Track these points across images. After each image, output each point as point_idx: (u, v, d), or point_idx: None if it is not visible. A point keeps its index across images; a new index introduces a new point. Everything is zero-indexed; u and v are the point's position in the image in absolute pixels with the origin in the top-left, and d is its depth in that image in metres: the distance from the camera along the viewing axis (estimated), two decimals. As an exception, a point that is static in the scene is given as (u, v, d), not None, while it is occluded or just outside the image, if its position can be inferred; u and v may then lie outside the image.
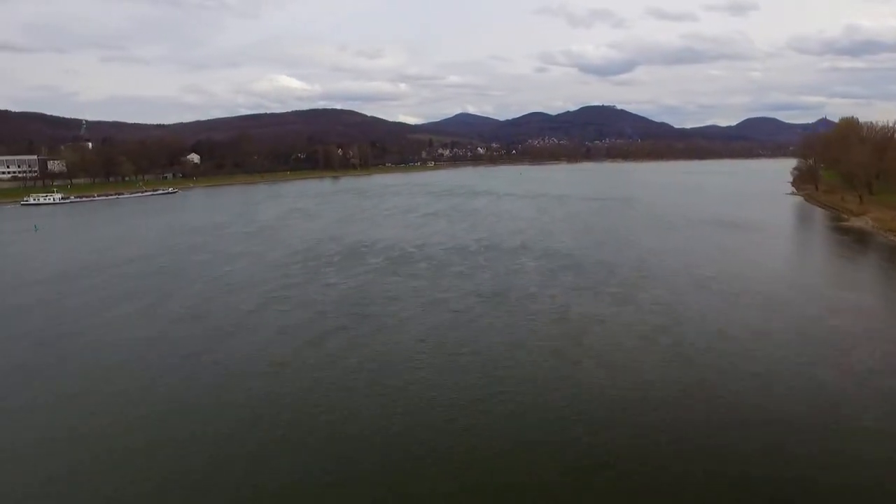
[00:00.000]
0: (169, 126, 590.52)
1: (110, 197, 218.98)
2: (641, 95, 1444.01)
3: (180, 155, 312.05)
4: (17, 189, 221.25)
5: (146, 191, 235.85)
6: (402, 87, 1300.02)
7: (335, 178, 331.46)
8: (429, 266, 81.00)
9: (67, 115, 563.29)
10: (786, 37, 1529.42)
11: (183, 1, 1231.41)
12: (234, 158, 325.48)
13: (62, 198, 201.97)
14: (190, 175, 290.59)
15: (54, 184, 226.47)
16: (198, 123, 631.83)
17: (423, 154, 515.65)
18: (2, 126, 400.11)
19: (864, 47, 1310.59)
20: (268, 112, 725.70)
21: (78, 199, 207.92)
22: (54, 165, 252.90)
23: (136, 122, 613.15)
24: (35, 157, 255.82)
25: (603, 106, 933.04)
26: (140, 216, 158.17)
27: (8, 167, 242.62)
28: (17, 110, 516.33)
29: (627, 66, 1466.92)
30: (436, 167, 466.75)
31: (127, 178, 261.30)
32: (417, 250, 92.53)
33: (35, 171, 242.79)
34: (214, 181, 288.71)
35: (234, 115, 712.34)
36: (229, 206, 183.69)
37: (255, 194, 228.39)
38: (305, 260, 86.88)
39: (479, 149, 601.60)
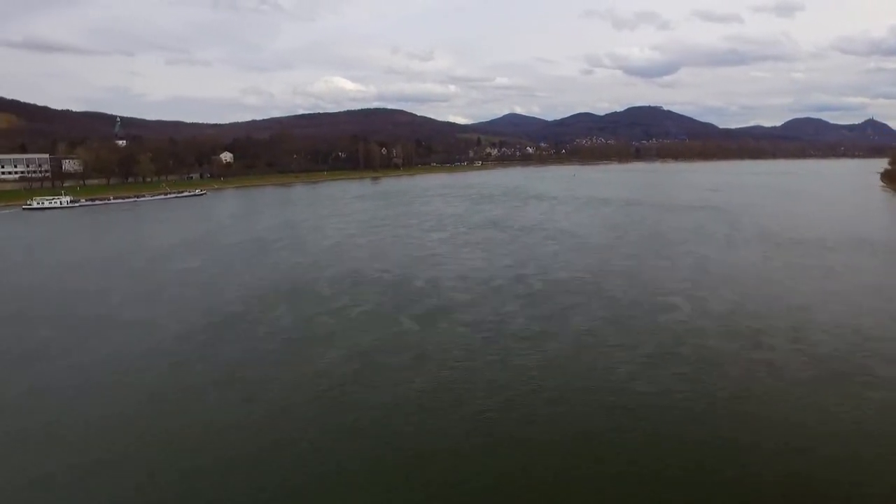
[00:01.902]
0: (224, 126, 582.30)
1: (128, 200, 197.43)
2: (684, 96, 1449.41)
3: (212, 154, 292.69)
4: (20, 191, 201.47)
5: (170, 192, 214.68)
6: (452, 88, 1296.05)
7: (375, 178, 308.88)
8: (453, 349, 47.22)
9: (134, 115, 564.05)
10: (831, 37, 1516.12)
11: (240, 5, 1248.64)
12: (269, 158, 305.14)
13: (71, 201, 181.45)
14: (219, 175, 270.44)
15: (64, 185, 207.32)
16: (252, 123, 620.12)
17: (471, 153, 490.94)
18: (63, 125, 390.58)
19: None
20: (322, 112, 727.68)
21: (90, 203, 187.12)
22: (70, 165, 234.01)
23: (195, 121, 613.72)
24: (46, 155, 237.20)
25: (649, 106, 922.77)
26: (150, 225, 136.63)
27: (16, 166, 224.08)
28: (77, 110, 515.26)
29: (671, 67, 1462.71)
30: (483, 167, 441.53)
31: (148, 179, 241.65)
32: (438, 308, 58.96)
33: (47, 171, 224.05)
34: (245, 181, 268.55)
35: (291, 115, 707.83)
36: (254, 210, 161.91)
37: (286, 196, 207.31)
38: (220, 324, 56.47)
39: (527, 148, 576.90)
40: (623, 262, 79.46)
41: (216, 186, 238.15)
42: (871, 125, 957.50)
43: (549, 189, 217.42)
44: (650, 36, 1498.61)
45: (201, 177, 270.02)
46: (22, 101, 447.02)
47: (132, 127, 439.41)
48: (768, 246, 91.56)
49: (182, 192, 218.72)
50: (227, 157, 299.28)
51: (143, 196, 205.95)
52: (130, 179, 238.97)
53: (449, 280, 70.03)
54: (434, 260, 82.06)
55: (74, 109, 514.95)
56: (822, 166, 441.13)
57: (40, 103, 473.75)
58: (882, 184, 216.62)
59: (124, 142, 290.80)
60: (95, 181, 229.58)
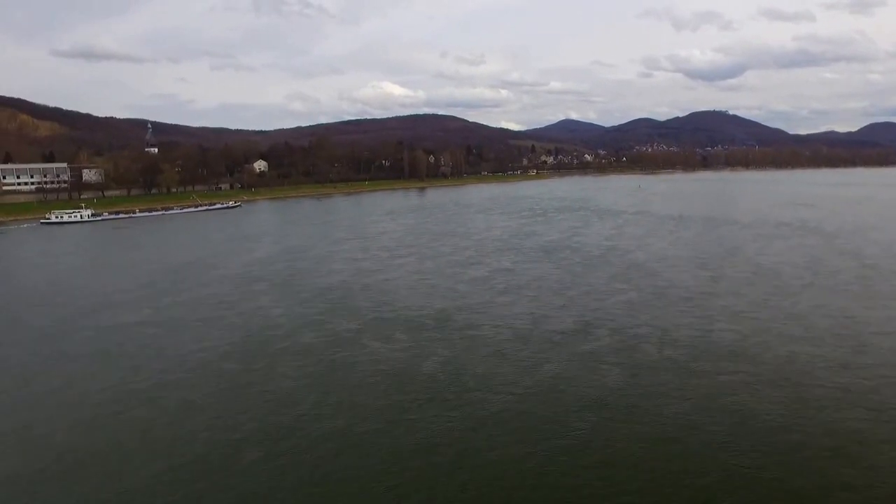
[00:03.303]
0: (269, 132, 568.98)
1: (155, 213, 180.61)
2: (750, 101, 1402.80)
3: (244, 162, 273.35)
4: (33, 204, 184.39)
5: (201, 204, 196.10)
6: (504, 93, 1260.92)
7: (421, 189, 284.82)
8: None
9: (180, 123, 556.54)
10: None
11: (284, 9, 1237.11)
12: (306, 166, 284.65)
13: (93, 214, 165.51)
14: (250, 185, 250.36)
15: (81, 197, 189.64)
16: (297, 130, 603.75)
17: (525, 161, 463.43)
18: (106, 133, 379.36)
19: None
20: (369, 118, 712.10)
21: (113, 216, 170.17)
22: (91, 175, 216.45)
23: (240, 128, 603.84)
24: (65, 165, 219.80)
25: (714, 111, 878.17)
26: (164, 248, 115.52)
27: (32, 177, 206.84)
28: (121, 117, 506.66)
29: (736, 70, 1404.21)
30: (538, 176, 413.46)
31: (173, 190, 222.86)
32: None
33: (65, 182, 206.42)
34: (278, 192, 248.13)
35: (337, 121, 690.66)
36: (273, 229, 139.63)
37: (318, 210, 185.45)
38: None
39: (585, 156, 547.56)
40: (730, 324, 53.35)
41: (245, 198, 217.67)
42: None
43: (612, 203, 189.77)
44: (713, 37, 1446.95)
45: (231, 187, 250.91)
46: (64, 108, 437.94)
47: (176, 134, 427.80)
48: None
49: (214, 203, 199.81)
50: (260, 165, 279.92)
51: (172, 209, 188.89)
52: (154, 191, 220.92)
53: (474, 365, 45.04)
54: (460, 319, 57.15)
55: (118, 116, 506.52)
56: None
57: (84, 111, 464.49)
58: None
59: (155, 149, 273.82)
60: (116, 192, 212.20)
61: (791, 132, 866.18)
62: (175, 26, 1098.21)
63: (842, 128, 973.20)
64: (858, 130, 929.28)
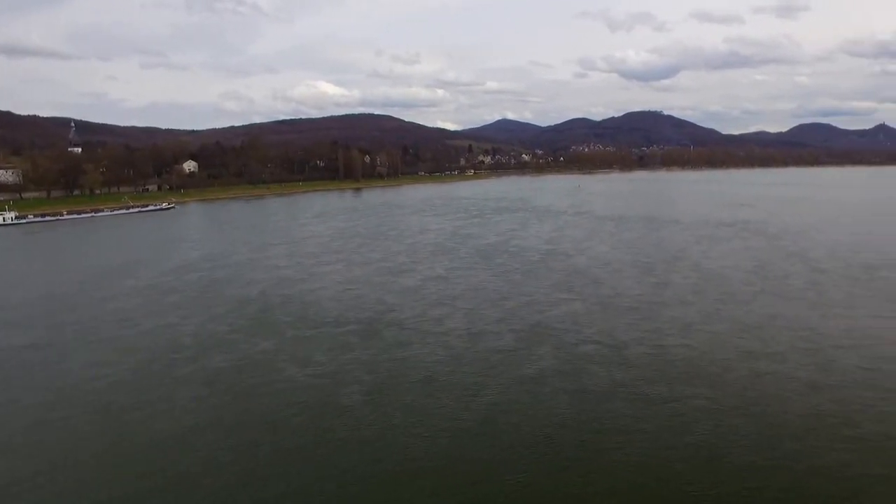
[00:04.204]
0: (201, 132, 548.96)
1: (84, 215, 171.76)
2: (684, 101, 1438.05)
3: (173, 163, 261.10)
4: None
5: (133, 206, 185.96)
6: (440, 93, 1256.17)
7: (356, 190, 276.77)
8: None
9: (110, 122, 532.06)
10: (837, 40, 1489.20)
11: (218, 7, 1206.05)
12: (238, 167, 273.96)
13: (17, 217, 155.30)
14: (179, 186, 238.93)
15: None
16: (231, 129, 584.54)
17: (462, 161, 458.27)
18: (28, 132, 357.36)
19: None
20: (304, 117, 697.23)
21: (40, 219, 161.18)
22: (7, 175, 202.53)
23: (172, 127, 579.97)
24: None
25: (649, 111, 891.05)
26: (83, 254, 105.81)
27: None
28: (46, 115, 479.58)
29: (670, 71, 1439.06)
30: (476, 176, 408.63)
31: (97, 191, 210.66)
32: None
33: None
34: (208, 194, 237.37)
35: (271, 121, 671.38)
36: (201, 233, 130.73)
37: (248, 212, 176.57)
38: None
39: (523, 155, 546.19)
40: (683, 338, 48.77)
41: (174, 200, 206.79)
42: (883, 130, 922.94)
43: (551, 203, 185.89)
44: (647, 38, 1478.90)
45: (159, 188, 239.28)
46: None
47: (103, 133, 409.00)
48: (877, 292, 61.67)
49: (146, 205, 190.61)
50: (190, 165, 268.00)
51: (102, 210, 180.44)
52: (77, 192, 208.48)
53: (402, 394, 39.18)
54: (389, 337, 51.13)
55: (42, 115, 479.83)
56: (845, 175, 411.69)
57: (4, 108, 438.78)
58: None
59: (79, 149, 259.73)
60: (35, 193, 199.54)
61: (724, 132, 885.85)
62: (104, 22, 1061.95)
63: (772, 128, 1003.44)
64: (788, 131, 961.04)
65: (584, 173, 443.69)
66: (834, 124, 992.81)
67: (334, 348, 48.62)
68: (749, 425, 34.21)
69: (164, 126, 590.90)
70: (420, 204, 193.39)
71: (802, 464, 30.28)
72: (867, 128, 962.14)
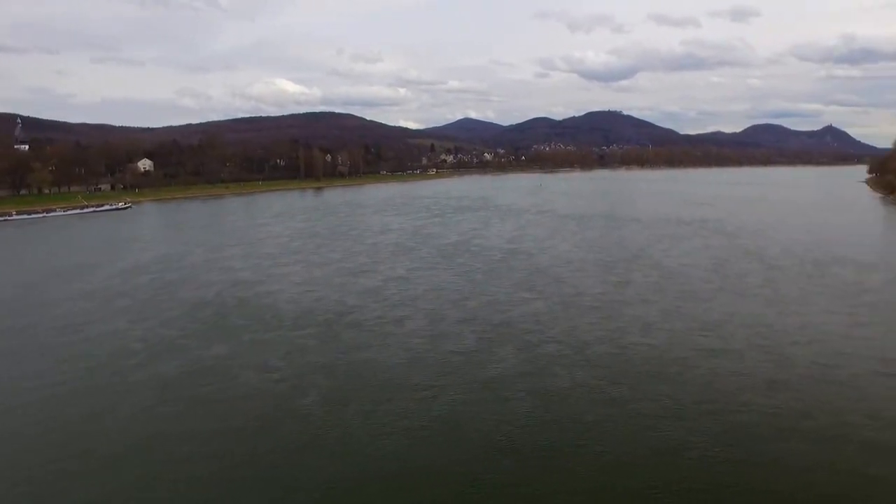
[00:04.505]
0: (157, 130, 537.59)
1: (35, 215, 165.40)
2: (642, 102, 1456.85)
3: (127, 161, 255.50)
4: None
5: (87, 206, 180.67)
6: (402, 91, 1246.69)
7: (318, 189, 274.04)
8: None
9: (59, 118, 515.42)
10: (787, 44, 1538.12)
11: (172, 2, 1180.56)
12: (196, 165, 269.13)
13: None
14: (133, 186, 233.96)
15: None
16: (187, 127, 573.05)
17: (424, 160, 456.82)
18: None
19: (862, 56, 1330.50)
20: (264, 115, 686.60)
21: None
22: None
23: (125, 124, 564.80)
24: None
25: (608, 111, 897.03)
26: (30, 257, 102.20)
27: None
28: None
29: (628, 72, 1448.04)
30: (438, 175, 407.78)
31: (46, 191, 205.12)
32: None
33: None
34: (164, 193, 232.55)
35: (230, 119, 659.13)
36: (153, 234, 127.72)
37: (206, 212, 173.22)
38: None
39: (485, 154, 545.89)
40: (644, 337, 48.82)
41: (129, 199, 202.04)
42: (831, 132, 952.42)
43: (513, 202, 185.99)
44: (606, 39, 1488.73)
45: (112, 188, 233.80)
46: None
47: (53, 130, 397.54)
48: (828, 288, 62.43)
49: (102, 205, 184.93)
50: (145, 164, 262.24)
51: (54, 210, 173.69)
52: (24, 192, 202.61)
53: (361, 398, 38.26)
54: (348, 339, 50.22)
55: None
56: (797, 174, 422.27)
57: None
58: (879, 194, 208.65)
59: (26, 146, 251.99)
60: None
61: (681, 132, 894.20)
62: (50, 14, 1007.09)
63: (727, 129, 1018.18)
64: (742, 131, 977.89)
65: (546, 172, 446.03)
66: (785, 125, 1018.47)
67: (292, 352, 47.58)
68: (710, 422, 34.22)
69: (117, 123, 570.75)
70: (382, 203, 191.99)
71: (763, 458, 30.39)
72: (816, 129, 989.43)
